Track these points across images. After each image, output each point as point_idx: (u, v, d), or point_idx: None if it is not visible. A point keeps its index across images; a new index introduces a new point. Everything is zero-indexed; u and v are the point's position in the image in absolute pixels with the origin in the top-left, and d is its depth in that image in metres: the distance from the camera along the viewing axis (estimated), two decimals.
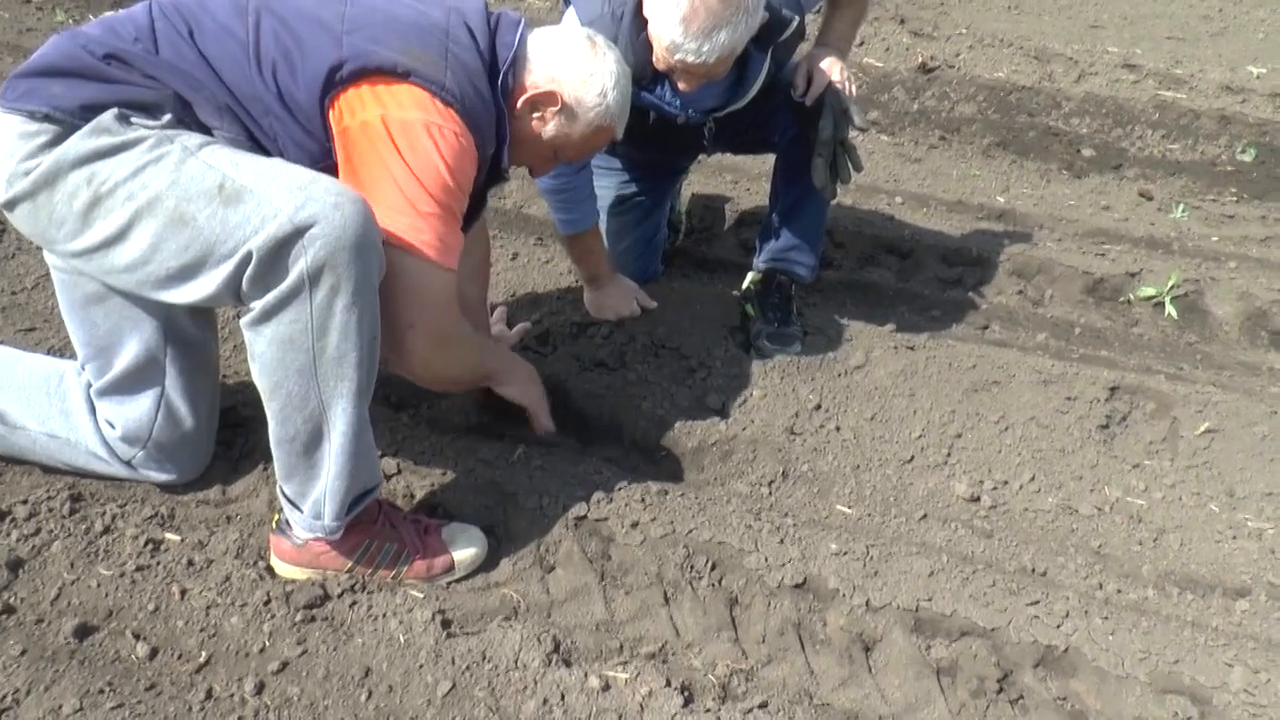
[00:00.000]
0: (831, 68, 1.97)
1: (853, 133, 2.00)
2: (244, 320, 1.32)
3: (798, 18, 1.88)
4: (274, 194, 1.25)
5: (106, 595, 1.46)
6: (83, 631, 1.40)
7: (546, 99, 1.54)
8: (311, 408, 1.35)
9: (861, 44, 3.97)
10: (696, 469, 1.91)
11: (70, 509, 1.59)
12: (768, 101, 2.03)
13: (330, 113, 1.38)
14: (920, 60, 3.83)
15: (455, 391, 1.78)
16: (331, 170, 1.37)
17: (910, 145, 3.43)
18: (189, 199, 1.26)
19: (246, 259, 1.25)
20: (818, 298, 2.46)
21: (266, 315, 1.29)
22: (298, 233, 1.24)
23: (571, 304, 2.29)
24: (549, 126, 1.57)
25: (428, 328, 1.44)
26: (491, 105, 1.47)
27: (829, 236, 2.65)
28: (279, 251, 1.24)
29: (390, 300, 1.39)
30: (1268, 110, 3.57)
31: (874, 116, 3.57)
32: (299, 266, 1.25)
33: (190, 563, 1.52)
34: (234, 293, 1.29)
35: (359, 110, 1.37)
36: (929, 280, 2.60)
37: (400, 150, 1.35)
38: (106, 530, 1.56)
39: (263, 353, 1.32)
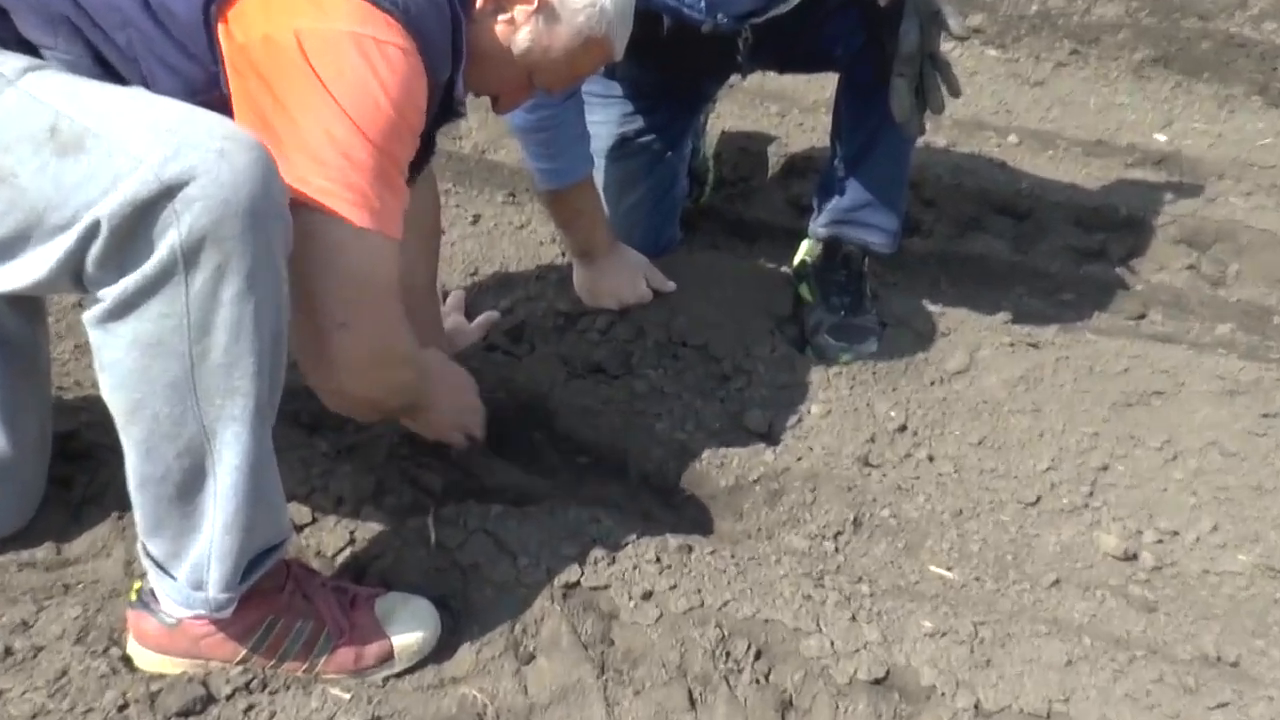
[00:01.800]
0: None
1: (947, 43, 2.02)
2: (90, 315, 1.30)
3: None
4: (131, 138, 1.24)
5: None
6: None
7: None
8: (189, 435, 1.34)
9: None
10: (733, 516, 1.91)
11: None
12: (825, 0, 2.03)
13: (219, 25, 1.38)
14: None
15: (368, 421, 1.79)
16: (217, 106, 1.36)
17: (1029, 62, 3.43)
18: (6, 147, 1.24)
19: (92, 230, 1.23)
20: (900, 276, 2.46)
21: (123, 308, 1.27)
22: (167, 193, 1.22)
23: (557, 286, 2.28)
24: (521, 35, 1.57)
25: (367, 327, 1.44)
26: (446, 10, 1.47)
27: (915, 191, 2.65)
28: (140, 219, 1.23)
29: (312, 290, 1.39)
30: None
31: (976, 21, 3.58)
32: (169, 240, 1.23)
33: (8, 652, 1.51)
34: (74, 276, 1.27)
35: (261, 21, 1.37)
36: (1058, 251, 2.59)
37: (321, 76, 1.35)
38: None
39: (117, 360, 1.30)
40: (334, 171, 1.35)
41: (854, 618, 1.65)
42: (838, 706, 1.56)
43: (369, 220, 1.37)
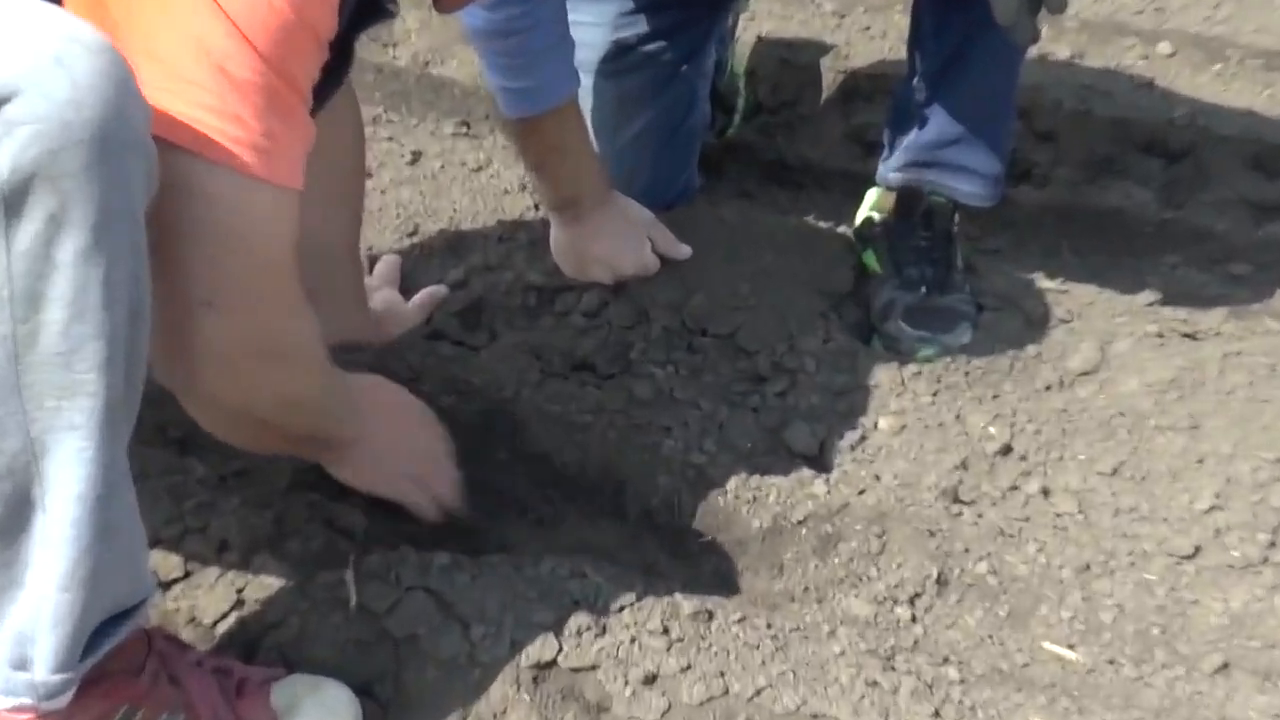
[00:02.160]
0: None
1: None
2: None
3: None
4: None
5: None
6: None
7: None
8: (11, 451, 1.32)
9: None
10: (769, 570, 1.91)
11: None
12: None
13: None
14: None
15: (261, 451, 1.80)
16: None
17: None
18: None
19: None
20: (1003, 239, 2.48)
21: None
22: None
23: (528, 250, 2.31)
24: None
25: (242, 307, 1.45)
26: None
27: (1024, 122, 2.66)
28: None
29: (172, 255, 1.39)
30: None
31: None
32: None
33: None
34: None
35: None
36: (1226, 205, 2.60)
37: None
38: None
39: None
40: (205, 94, 1.35)
41: (937, 713, 1.64)
42: None
43: (253, 163, 1.38)
